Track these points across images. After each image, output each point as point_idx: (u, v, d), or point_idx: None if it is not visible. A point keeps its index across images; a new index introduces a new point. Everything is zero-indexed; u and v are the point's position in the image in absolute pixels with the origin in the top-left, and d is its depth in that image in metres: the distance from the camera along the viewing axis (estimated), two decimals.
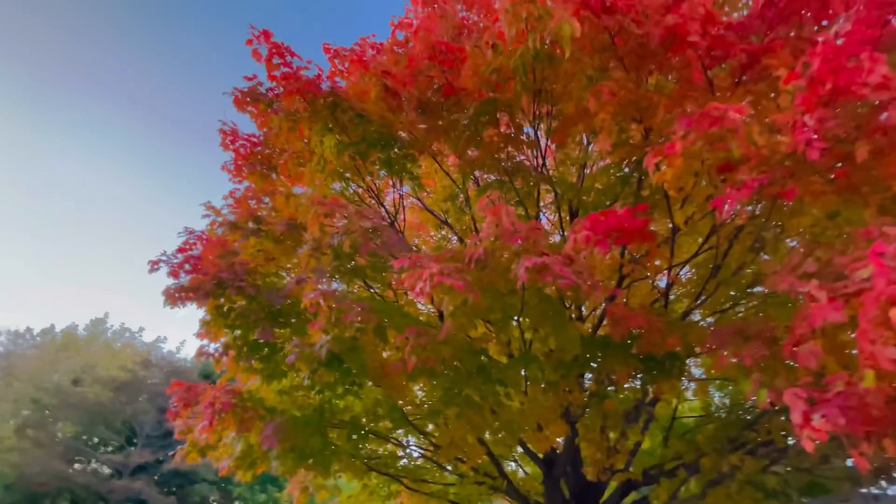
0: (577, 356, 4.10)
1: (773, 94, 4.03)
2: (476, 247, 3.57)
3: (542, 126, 4.86)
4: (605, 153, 4.30)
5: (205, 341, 5.61)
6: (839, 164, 3.44)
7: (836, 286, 2.57)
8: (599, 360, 4.00)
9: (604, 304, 4.89)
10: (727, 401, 5.66)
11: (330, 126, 4.85)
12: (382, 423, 6.43)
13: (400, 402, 5.82)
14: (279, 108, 5.20)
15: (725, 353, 3.02)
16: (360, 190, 6.56)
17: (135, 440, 23.65)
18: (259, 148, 6.86)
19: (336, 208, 4.12)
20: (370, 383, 5.57)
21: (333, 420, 5.81)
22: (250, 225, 5.53)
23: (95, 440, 23.72)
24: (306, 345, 4.33)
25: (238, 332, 5.04)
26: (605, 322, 5.40)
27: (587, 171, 5.96)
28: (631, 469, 6.06)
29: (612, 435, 5.48)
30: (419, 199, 7.72)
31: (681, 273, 5.88)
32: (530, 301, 3.99)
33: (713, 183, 3.84)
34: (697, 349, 3.80)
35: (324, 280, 4.28)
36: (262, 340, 4.99)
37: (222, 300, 5.09)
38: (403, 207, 7.34)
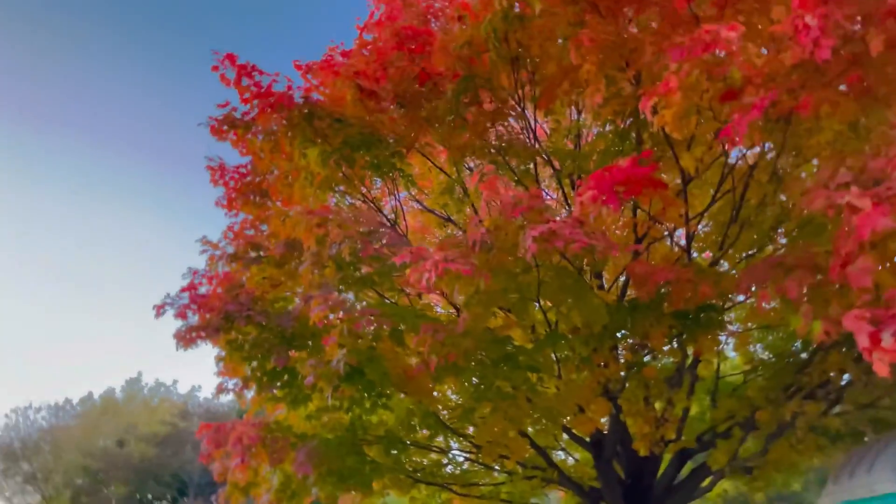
0: (606, 326, 3.82)
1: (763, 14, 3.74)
2: (478, 227, 3.33)
3: (526, 96, 4.62)
4: (597, 110, 4.04)
5: (226, 379, 5.46)
6: (851, 70, 3.14)
7: (878, 191, 2.29)
8: (630, 326, 3.71)
9: (625, 270, 4.60)
10: (768, 354, 5.29)
11: (310, 136, 4.67)
12: (420, 433, 6.20)
13: (433, 407, 5.58)
14: (257, 131, 5.04)
15: (766, 290, 2.72)
16: (356, 202, 6.38)
17: (186, 491, 23.71)
18: (249, 178, 6.73)
19: (328, 215, 3.91)
20: (399, 394, 5.35)
21: (368, 437, 5.59)
22: (250, 254, 5.37)
23: (149, 496, 23.85)
24: (323, 363, 4.12)
25: (255, 362, 4.86)
26: (629, 289, 5.12)
27: (583, 141, 5.70)
28: (683, 438, 5.72)
29: (657, 405, 5.16)
30: (419, 202, 7.52)
31: (699, 228, 5.57)
32: (546, 277, 3.74)
33: (718, 117, 3.57)
34: (733, 295, 3.50)
35: (332, 295, 4.08)
36: (279, 367, 4.80)
37: (233, 333, 4.92)
38: (403, 212, 7.15)
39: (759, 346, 6.48)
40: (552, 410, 4.82)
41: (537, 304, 4.42)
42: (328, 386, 4.13)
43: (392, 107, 5.10)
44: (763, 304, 2.83)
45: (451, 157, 5.04)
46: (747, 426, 5.19)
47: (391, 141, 5.08)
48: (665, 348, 4.14)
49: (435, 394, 5.44)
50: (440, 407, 5.87)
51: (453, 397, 6.42)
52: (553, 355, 4.89)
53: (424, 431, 6.08)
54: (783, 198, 4.38)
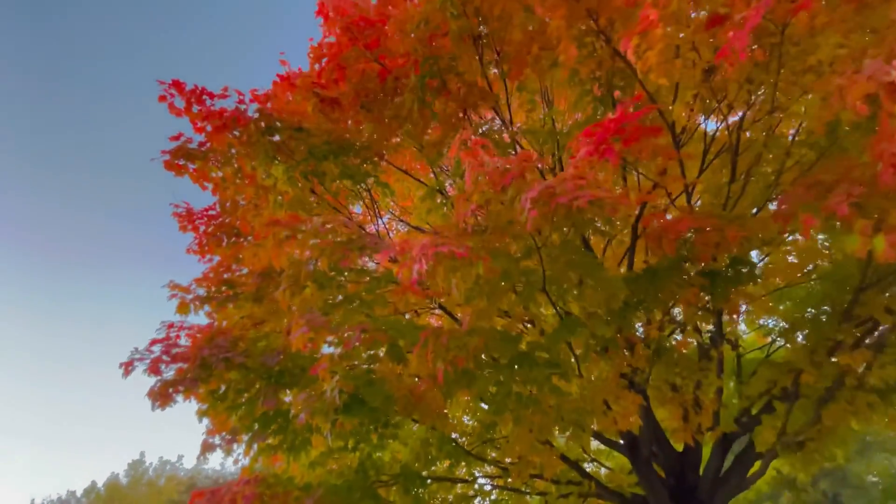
0: (626, 301, 3.34)
1: None
2: (467, 204, 2.88)
3: (493, 78, 4.28)
4: (572, 75, 3.69)
5: (214, 437, 4.80)
6: None
7: None
8: (653, 294, 3.23)
9: (640, 229, 4.10)
10: (803, 311, 4.77)
11: (270, 152, 4.24)
12: (439, 464, 5.54)
13: (449, 432, 4.96)
14: (215, 159, 4.60)
15: (809, 214, 2.29)
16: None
17: None
18: (220, 219, 6.25)
19: (297, 224, 3.43)
20: (408, 422, 4.73)
21: (382, 477, 4.93)
22: (224, 290, 4.83)
23: None
24: (316, 395, 3.54)
25: (241, 409, 4.24)
26: (643, 255, 4.63)
27: (560, 126, 5.37)
28: (720, 424, 5.16)
29: (687, 390, 4.62)
30: (404, 221, 7.09)
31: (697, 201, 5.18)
32: (551, 254, 3.27)
33: (704, 56, 3.22)
34: (764, 238, 3.06)
35: (315, 315, 3.55)
36: (270, 411, 4.19)
37: (214, 382, 4.32)
38: (389, 235, 6.70)
39: (776, 317, 6.00)
40: (579, 411, 4.24)
41: (545, 294, 3.92)
42: (325, 421, 3.54)
43: (356, 112, 4.73)
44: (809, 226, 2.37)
45: (426, 156, 4.64)
46: (790, 397, 4.66)
47: (359, 147, 4.68)
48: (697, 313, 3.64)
49: (450, 419, 4.84)
50: (457, 433, 5.25)
51: (469, 422, 5.80)
52: (570, 349, 4.37)
53: (443, 462, 5.44)
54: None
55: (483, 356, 3.52)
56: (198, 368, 4.26)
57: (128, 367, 4.35)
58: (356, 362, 3.63)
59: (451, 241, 2.67)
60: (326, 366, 3.49)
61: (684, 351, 3.78)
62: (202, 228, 6.45)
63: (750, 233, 2.83)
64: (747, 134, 4.12)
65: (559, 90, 4.80)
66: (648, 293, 3.21)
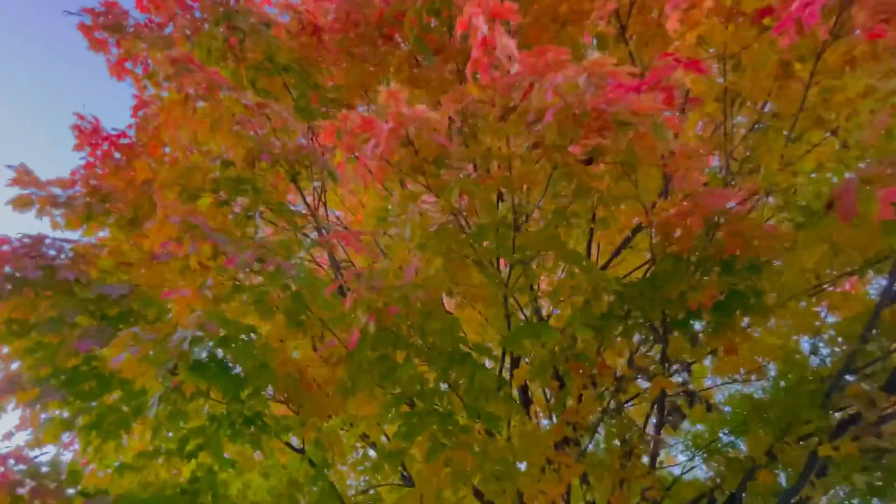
0: (611, 308, 2.51)
1: None
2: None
3: None
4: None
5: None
6: None
7: None
8: (650, 298, 2.41)
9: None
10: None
11: (222, 48, 3.28)
12: None
13: (340, 458, 3.60)
14: (148, 39, 3.56)
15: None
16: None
17: None
18: (126, 140, 4.98)
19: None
20: (285, 433, 3.37)
21: None
22: (95, 201, 3.49)
23: None
24: (158, 337, 2.27)
25: (40, 353, 2.77)
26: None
27: None
28: None
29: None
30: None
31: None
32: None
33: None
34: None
35: (191, 214, 2.40)
36: (82, 367, 2.75)
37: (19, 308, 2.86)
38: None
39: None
40: (506, 464, 3.16)
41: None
42: (158, 380, 2.24)
43: (336, 54, 3.94)
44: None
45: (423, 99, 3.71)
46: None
47: (329, 88, 3.83)
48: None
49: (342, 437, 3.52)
50: (344, 464, 3.86)
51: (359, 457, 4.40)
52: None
53: None
54: None
55: (418, 337, 2.47)
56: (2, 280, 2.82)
57: None
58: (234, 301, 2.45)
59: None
60: (190, 292, 2.30)
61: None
62: (104, 147, 5.12)
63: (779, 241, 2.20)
64: None
65: None
66: (643, 299, 2.41)
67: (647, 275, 2.68)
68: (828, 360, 3.53)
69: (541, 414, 4.64)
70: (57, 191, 3.49)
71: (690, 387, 3.09)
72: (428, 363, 2.50)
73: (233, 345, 2.36)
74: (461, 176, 2.25)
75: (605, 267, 3.38)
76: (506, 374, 3.33)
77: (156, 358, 2.22)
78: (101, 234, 3.94)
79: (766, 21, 2.72)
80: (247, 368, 2.35)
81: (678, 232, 2.26)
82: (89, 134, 5.23)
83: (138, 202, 3.42)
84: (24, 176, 3.37)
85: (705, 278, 2.25)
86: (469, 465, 2.96)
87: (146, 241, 2.45)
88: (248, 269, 2.44)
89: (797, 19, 2.25)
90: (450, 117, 2.03)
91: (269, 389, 3.03)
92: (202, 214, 2.72)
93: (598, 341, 2.57)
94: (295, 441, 3.92)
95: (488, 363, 3.53)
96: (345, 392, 2.63)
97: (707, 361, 4.64)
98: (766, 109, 3.40)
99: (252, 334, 2.47)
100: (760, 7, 2.63)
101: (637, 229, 3.36)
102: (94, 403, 2.83)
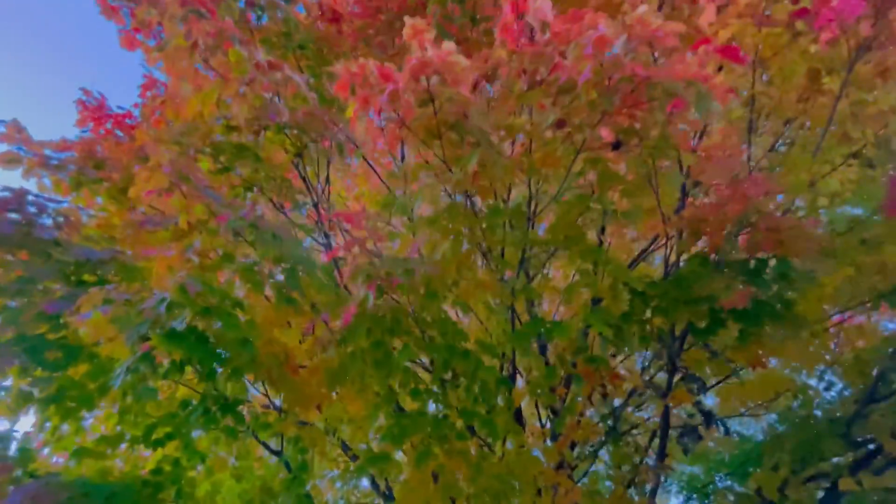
0: (631, 307, 2.30)
1: None
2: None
3: None
4: None
5: None
6: None
7: None
8: (674, 297, 2.19)
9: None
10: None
11: (242, 23, 3.16)
12: None
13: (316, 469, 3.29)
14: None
15: None
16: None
17: None
18: (130, 120, 4.85)
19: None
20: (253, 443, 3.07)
21: None
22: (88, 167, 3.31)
23: None
24: (134, 298, 2.05)
25: (5, 315, 2.52)
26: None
27: None
28: None
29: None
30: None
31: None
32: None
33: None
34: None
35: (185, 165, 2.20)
36: (47, 334, 2.50)
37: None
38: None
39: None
40: (502, 480, 2.87)
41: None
42: (129, 346, 2.00)
43: (355, 41, 3.86)
44: None
45: None
46: None
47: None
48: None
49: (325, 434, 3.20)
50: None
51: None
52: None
53: None
54: None
55: (418, 328, 2.24)
56: None
57: None
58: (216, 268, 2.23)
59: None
60: (176, 251, 2.09)
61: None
62: (108, 126, 4.98)
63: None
64: None
65: None
66: (666, 299, 2.20)
67: (669, 276, 2.49)
68: (846, 391, 3.30)
69: (531, 440, 4.33)
70: (49, 152, 3.31)
71: (707, 408, 2.84)
72: (429, 351, 2.26)
73: (216, 318, 2.13)
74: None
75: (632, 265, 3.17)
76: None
77: (127, 319, 1.98)
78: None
79: (800, 25, 2.63)
80: (229, 342, 2.12)
81: (708, 229, 2.08)
82: (94, 110, 5.14)
83: (133, 170, 3.23)
84: (14, 132, 3.20)
85: (739, 278, 2.05)
86: (463, 477, 2.68)
87: (133, 190, 2.25)
88: (240, 236, 2.23)
89: (838, 13, 2.15)
90: (475, 80, 1.88)
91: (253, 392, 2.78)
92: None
93: (613, 345, 2.34)
94: (274, 446, 3.62)
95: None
96: (333, 380, 2.38)
97: (710, 399, 4.36)
98: (791, 125, 3.29)
99: (238, 309, 2.25)
100: (794, 10, 2.54)
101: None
102: (57, 374, 2.56)
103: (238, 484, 3.61)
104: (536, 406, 3.72)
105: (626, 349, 2.35)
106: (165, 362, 2.38)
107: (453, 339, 2.38)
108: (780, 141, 3.30)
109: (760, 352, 2.34)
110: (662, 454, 3.27)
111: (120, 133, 5.04)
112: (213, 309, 2.18)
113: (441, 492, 2.67)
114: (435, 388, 2.65)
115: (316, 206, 3.05)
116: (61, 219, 2.95)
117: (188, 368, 2.60)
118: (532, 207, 2.52)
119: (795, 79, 2.88)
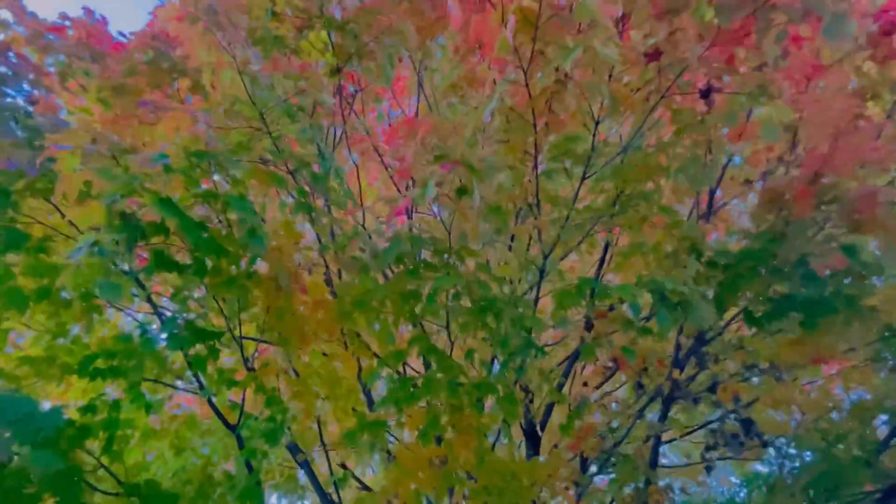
0: (697, 275, 2.03)
1: None
2: None
3: None
4: None
5: None
6: None
7: None
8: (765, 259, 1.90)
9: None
10: None
11: None
12: None
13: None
14: None
15: None
16: None
17: None
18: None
19: None
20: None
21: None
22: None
23: None
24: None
25: None
26: None
27: None
28: None
29: None
30: None
31: None
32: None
33: None
34: None
35: None
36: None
37: None
38: None
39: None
40: (513, 480, 2.43)
41: None
42: (110, 206, 1.52)
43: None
44: None
45: None
46: None
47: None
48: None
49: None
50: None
51: None
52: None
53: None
54: None
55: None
56: None
57: None
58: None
59: None
60: (182, 110, 1.68)
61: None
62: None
63: None
64: None
65: None
66: (741, 267, 1.93)
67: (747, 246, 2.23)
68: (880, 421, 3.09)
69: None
70: (41, 29, 2.85)
71: (746, 415, 2.54)
72: (467, 292, 1.89)
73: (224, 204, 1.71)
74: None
75: None
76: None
77: (113, 174, 1.53)
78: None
79: None
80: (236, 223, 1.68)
81: (795, 190, 1.88)
82: (94, 35, 4.66)
83: (134, 69, 2.79)
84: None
85: (832, 244, 1.83)
86: (468, 463, 2.24)
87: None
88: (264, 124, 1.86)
89: None
90: None
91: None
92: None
93: (679, 319, 2.03)
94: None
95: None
96: (343, 314, 1.95)
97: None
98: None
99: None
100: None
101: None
102: None
103: (177, 458, 2.97)
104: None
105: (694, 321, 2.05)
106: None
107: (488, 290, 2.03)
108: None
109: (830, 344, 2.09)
110: (655, 462, 2.93)
111: None
112: (218, 196, 1.75)
113: (442, 479, 2.20)
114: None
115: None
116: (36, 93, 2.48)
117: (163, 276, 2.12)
118: (588, 161, 2.26)
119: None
